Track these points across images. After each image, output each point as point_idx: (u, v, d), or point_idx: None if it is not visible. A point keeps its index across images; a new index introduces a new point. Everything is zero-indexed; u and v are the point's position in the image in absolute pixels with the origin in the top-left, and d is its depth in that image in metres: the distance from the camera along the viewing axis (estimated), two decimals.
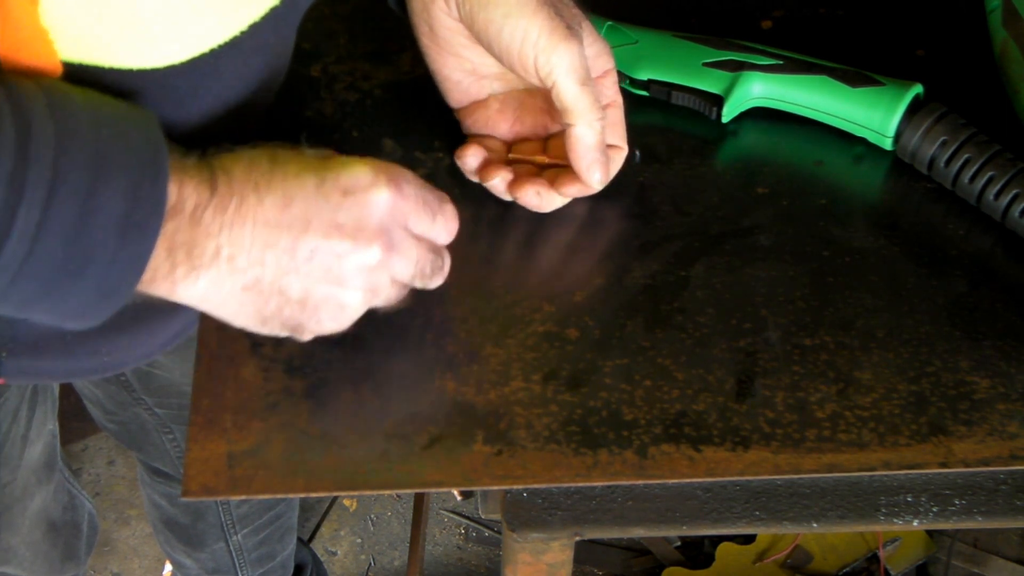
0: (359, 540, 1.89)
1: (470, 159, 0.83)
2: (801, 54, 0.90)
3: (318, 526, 1.90)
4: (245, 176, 0.67)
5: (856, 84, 0.88)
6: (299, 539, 1.67)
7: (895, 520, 0.81)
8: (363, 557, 1.88)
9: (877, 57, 0.91)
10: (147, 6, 0.63)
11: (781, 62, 0.90)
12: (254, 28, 0.70)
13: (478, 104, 0.86)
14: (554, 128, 0.86)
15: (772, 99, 0.90)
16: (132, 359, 0.89)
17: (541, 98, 0.85)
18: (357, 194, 0.68)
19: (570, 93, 0.78)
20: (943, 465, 0.74)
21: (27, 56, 0.62)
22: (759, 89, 0.90)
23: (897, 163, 0.89)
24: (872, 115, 0.87)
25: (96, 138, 0.61)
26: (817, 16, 0.99)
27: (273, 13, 0.71)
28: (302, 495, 0.75)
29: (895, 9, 0.99)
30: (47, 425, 1.20)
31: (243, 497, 0.76)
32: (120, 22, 0.63)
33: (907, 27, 0.97)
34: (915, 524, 0.81)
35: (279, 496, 0.77)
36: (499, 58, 0.79)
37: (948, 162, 0.84)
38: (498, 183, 0.83)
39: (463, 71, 0.84)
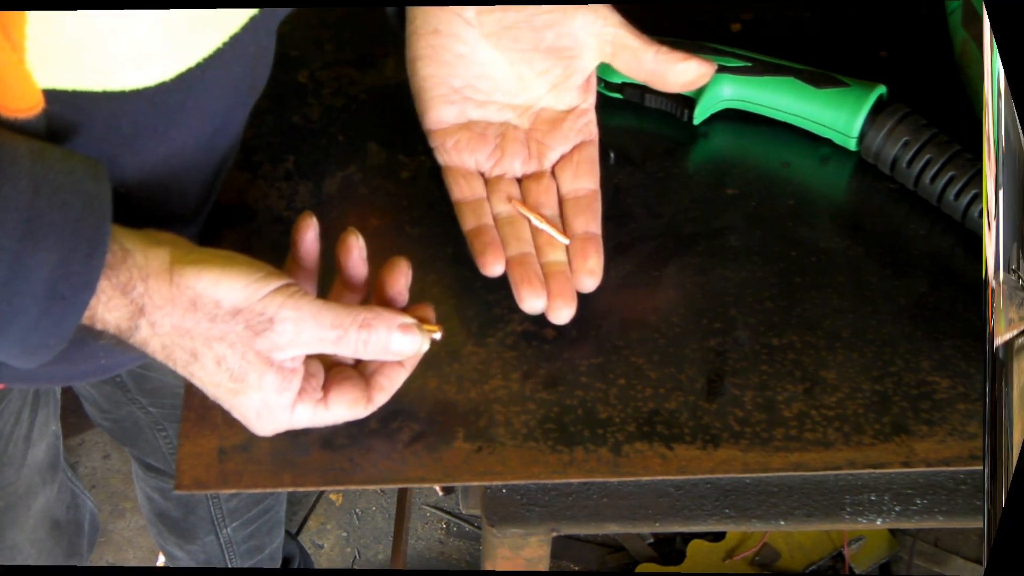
0: (345, 534, 1.90)
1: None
2: (769, 56, 0.91)
3: (305, 520, 1.91)
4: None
5: (822, 85, 0.89)
6: (287, 532, 1.68)
7: (859, 519, 0.82)
8: (348, 550, 1.89)
9: (842, 58, 0.92)
10: (134, 29, 0.64)
11: (750, 64, 0.91)
12: (235, 39, 0.70)
13: (459, 125, 0.85)
14: (529, 167, 0.85)
15: (741, 101, 0.92)
16: (129, 361, 0.90)
17: (523, 130, 0.85)
18: None
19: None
20: (906, 464, 0.76)
21: (4, 101, 0.62)
22: (729, 91, 0.91)
23: (862, 164, 0.90)
24: (837, 116, 0.88)
25: (31, 204, 0.61)
26: (784, 19, 1.00)
27: (252, 22, 0.72)
28: (289, 490, 0.77)
29: (859, 11, 1.00)
30: (50, 426, 1.21)
31: (233, 491, 0.77)
32: (109, 47, 0.63)
33: (871, 29, 0.98)
34: (879, 523, 0.83)
35: (267, 490, 0.78)
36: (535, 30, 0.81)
37: (910, 163, 0.86)
38: None
39: (449, 87, 0.83)
